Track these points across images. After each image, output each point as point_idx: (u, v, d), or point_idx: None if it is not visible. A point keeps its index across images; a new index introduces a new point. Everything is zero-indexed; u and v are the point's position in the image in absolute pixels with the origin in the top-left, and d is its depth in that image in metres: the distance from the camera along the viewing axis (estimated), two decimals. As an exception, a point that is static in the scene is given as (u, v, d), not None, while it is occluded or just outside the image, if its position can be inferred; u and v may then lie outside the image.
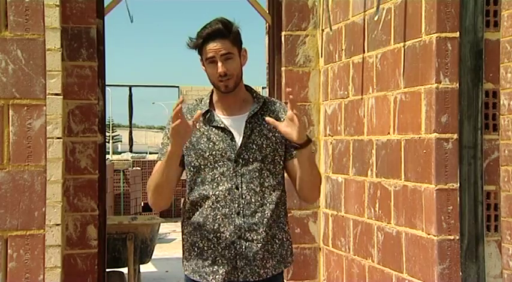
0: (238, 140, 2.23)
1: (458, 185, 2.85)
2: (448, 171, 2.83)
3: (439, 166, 2.83)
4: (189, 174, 2.28)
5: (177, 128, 2.06)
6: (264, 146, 2.24)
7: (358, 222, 3.51)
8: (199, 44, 2.21)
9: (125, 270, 5.31)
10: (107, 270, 3.84)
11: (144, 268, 6.16)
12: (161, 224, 6.00)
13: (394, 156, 3.15)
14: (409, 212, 3.02)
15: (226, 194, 2.20)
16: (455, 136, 2.84)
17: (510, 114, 3.06)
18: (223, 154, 2.21)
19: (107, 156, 10.42)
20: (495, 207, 2.94)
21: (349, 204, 3.62)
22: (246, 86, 2.35)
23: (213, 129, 2.25)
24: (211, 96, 2.33)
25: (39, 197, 1.84)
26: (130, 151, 16.33)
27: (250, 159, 2.21)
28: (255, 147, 2.23)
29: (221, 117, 2.27)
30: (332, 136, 3.84)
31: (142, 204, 11.25)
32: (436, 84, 2.83)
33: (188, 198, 2.28)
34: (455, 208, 2.84)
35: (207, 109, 2.27)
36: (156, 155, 2.41)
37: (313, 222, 3.97)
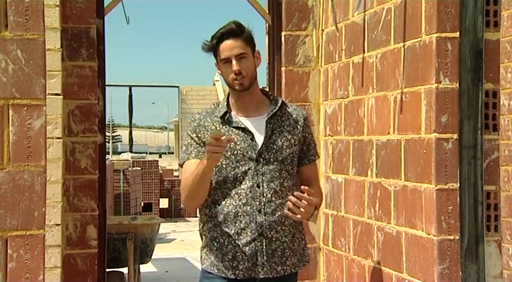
0: (259, 140, 2.29)
1: (458, 185, 2.85)
2: (448, 171, 2.83)
3: (439, 166, 2.83)
4: (212, 173, 2.32)
5: (219, 149, 2.11)
6: (285, 147, 2.32)
7: (358, 222, 3.51)
8: (214, 44, 2.28)
9: (125, 270, 5.31)
10: (107, 270, 3.84)
11: (144, 268, 6.16)
12: (161, 224, 6.00)
13: (394, 156, 3.15)
14: (409, 212, 3.02)
15: (247, 192, 2.25)
16: (455, 136, 2.84)
17: (510, 114, 3.06)
18: (245, 154, 2.27)
19: (107, 156, 10.42)
20: (495, 207, 2.94)
21: (349, 204, 3.62)
22: (262, 90, 2.43)
23: (234, 129, 2.31)
24: (227, 98, 2.39)
25: (39, 197, 1.84)
26: (131, 151, 16.34)
27: (271, 159, 2.28)
28: (275, 148, 2.30)
29: (240, 118, 2.34)
30: (332, 136, 3.85)
31: (142, 204, 11.25)
32: (436, 84, 2.83)
33: (210, 196, 2.32)
34: (455, 208, 2.84)
35: (225, 110, 2.33)
36: (180, 158, 2.48)
37: (313, 222, 3.97)
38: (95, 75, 3.47)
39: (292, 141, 2.33)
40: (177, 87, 20.43)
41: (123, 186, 10.32)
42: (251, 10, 4.18)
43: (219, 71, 2.33)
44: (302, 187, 2.20)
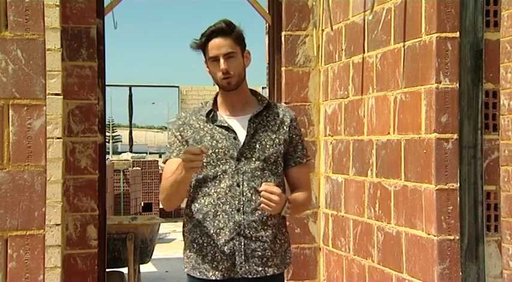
0: (242, 138, 2.27)
1: (458, 185, 2.85)
2: (448, 171, 2.83)
3: (439, 166, 2.83)
4: (191, 179, 2.30)
5: (196, 164, 2.09)
6: (268, 146, 2.28)
7: (358, 222, 3.51)
8: (203, 42, 2.26)
9: (125, 270, 5.31)
10: (107, 270, 3.84)
11: (144, 268, 6.16)
12: (161, 224, 6.00)
13: (394, 156, 3.15)
14: (409, 212, 3.02)
15: (227, 191, 2.23)
16: (455, 136, 2.84)
17: (510, 114, 3.06)
18: (226, 152, 2.25)
19: (107, 156, 10.42)
20: (495, 207, 2.94)
21: (349, 204, 3.62)
22: (251, 90, 2.40)
23: (217, 128, 2.29)
24: (215, 97, 2.39)
25: (39, 197, 1.84)
26: (131, 151, 16.33)
27: (253, 158, 2.25)
28: (258, 146, 2.27)
29: (224, 117, 2.32)
30: (332, 136, 3.85)
31: (142, 204, 11.25)
32: (436, 84, 2.83)
33: (190, 195, 2.31)
34: (455, 208, 2.84)
35: (210, 109, 2.32)
36: (164, 155, 2.47)
37: (313, 222, 3.97)
38: (95, 75, 3.47)
39: (277, 140, 2.29)
40: (177, 87, 20.45)
41: (123, 186, 10.31)
42: (251, 10, 4.19)
43: (207, 69, 2.32)
44: (263, 184, 2.18)
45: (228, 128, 2.27)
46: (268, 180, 2.25)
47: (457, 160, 2.84)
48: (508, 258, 2.98)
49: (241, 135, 2.27)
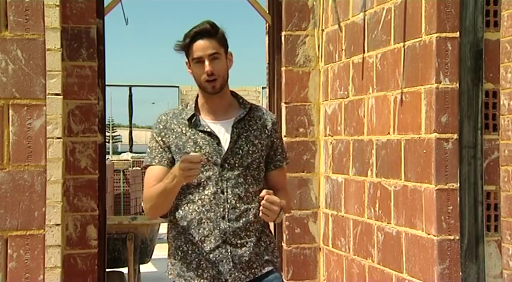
0: (225, 145, 2.22)
1: (458, 185, 2.85)
2: (448, 171, 2.83)
3: (439, 166, 2.83)
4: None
5: (195, 172, 2.08)
6: (250, 152, 2.25)
7: (358, 222, 3.51)
8: (187, 43, 2.22)
9: (125, 270, 5.31)
10: (107, 270, 3.84)
11: (144, 268, 6.16)
12: (161, 224, 6.00)
13: (394, 156, 3.15)
14: (409, 212, 3.02)
15: (211, 198, 2.20)
16: (455, 136, 2.84)
17: (510, 114, 3.06)
18: (210, 158, 2.20)
19: (107, 156, 10.43)
20: (495, 207, 2.94)
21: (349, 204, 3.62)
22: (232, 92, 2.36)
23: (200, 133, 2.24)
24: (196, 100, 2.33)
25: (39, 197, 1.84)
26: (131, 151, 16.33)
27: (236, 165, 2.22)
28: (241, 153, 2.23)
29: (207, 121, 2.27)
30: (332, 136, 3.85)
31: (142, 204, 11.24)
32: (436, 84, 2.83)
33: (174, 202, 2.26)
34: (455, 208, 2.84)
35: (192, 113, 2.27)
36: (144, 159, 2.40)
37: (313, 222, 3.97)
38: (95, 75, 3.47)
39: (259, 146, 2.26)
40: (177, 87, 20.42)
41: (123, 186, 10.32)
42: (251, 10, 4.19)
43: (190, 71, 2.26)
44: (264, 191, 2.16)
45: (211, 134, 2.23)
46: (251, 186, 2.24)
47: (457, 160, 2.84)
48: (508, 258, 2.98)
49: (224, 140, 2.23)
